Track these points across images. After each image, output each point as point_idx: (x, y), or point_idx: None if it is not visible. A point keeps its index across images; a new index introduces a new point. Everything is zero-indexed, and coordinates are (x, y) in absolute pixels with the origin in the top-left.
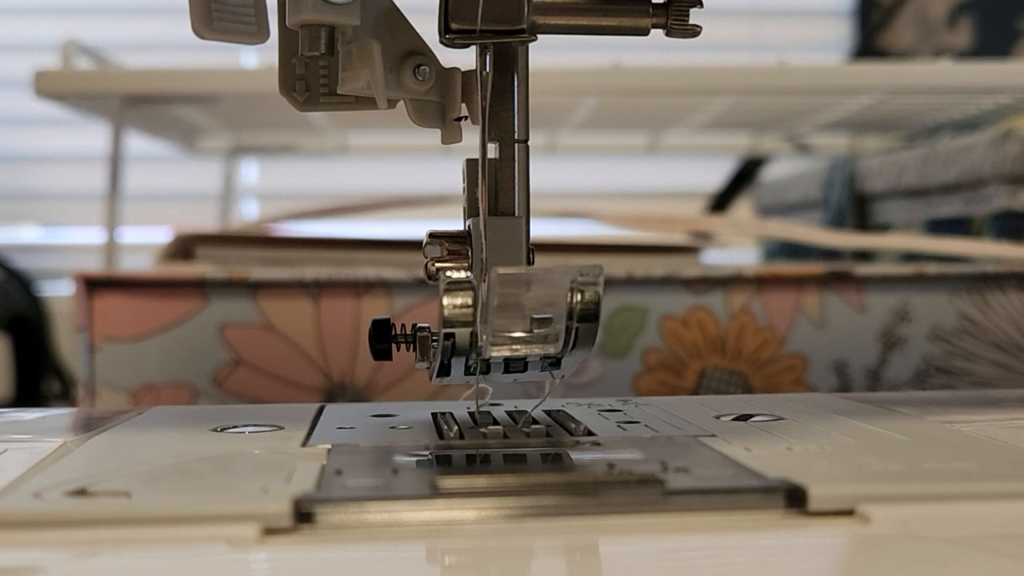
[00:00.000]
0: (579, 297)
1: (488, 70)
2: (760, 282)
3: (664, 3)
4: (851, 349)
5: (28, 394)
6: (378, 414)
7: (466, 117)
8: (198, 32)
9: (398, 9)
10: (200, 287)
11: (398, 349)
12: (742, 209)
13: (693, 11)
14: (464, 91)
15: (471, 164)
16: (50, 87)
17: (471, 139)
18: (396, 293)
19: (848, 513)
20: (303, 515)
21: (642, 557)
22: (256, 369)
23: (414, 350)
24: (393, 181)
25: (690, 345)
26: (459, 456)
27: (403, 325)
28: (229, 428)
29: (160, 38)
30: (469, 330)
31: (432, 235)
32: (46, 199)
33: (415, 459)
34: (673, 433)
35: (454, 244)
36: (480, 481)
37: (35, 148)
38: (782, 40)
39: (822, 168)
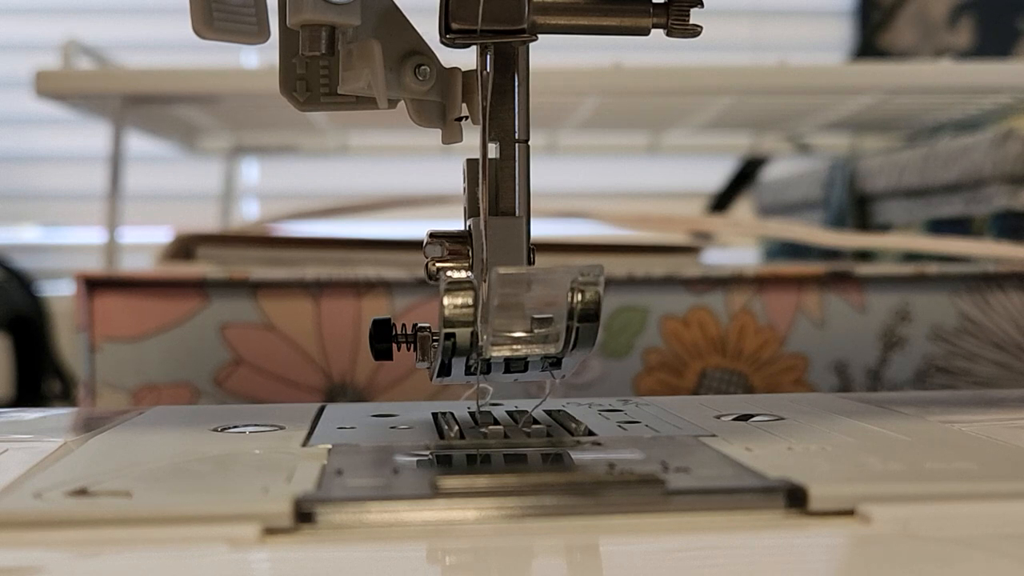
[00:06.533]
0: (579, 297)
1: (488, 70)
2: (760, 282)
3: (664, 3)
4: (851, 349)
5: (29, 394)
6: (378, 414)
7: (466, 117)
8: (198, 32)
9: (398, 9)
10: (200, 287)
11: (399, 349)
12: (742, 209)
13: (693, 11)
14: (464, 91)
15: (471, 164)
16: (50, 87)
17: (471, 139)
18: (396, 293)
19: (848, 513)
20: (303, 515)
21: (642, 557)
22: (256, 369)
23: (415, 350)
24: (393, 181)
25: (690, 345)
26: (460, 456)
27: (404, 325)
28: (229, 428)
29: (160, 38)
30: (470, 330)
31: (432, 235)
32: (46, 199)
33: (416, 459)
34: (674, 433)
35: (454, 244)
36: (480, 481)
37: (35, 148)
38: (782, 40)
39: (822, 168)
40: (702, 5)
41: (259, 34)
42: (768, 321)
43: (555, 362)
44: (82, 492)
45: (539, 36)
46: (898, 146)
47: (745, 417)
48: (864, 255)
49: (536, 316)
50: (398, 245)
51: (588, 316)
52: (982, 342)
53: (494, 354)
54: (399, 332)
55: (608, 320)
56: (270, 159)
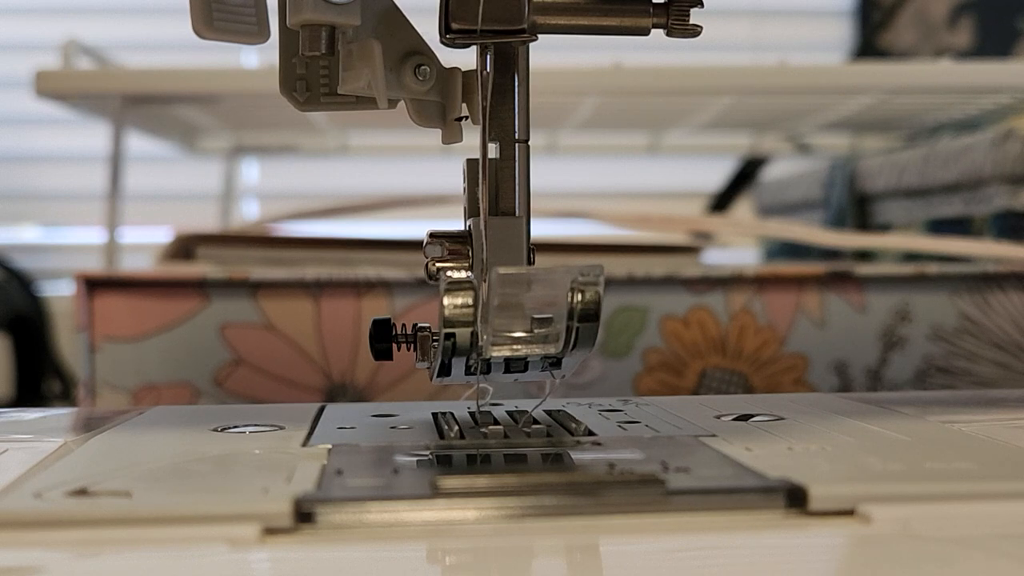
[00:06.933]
0: (579, 297)
1: (488, 70)
2: (760, 282)
3: (664, 3)
4: (851, 349)
5: (29, 394)
6: (378, 414)
7: (466, 117)
8: (198, 32)
9: (398, 9)
10: (200, 287)
11: (399, 349)
12: (742, 209)
13: (693, 11)
14: (464, 91)
15: (471, 164)
16: (50, 87)
17: (471, 139)
18: (396, 293)
19: (849, 513)
20: (303, 515)
21: (642, 557)
22: (256, 369)
23: (415, 350)
24: (393, 181)
25: (690, 345)
26: (459, 456)
27: (404, 325)
28: (229, 428)
29: (160, 38)
30: (470, 330)
31: (432, 235)
32: (46, 199)
33: (416, 459)
34: (674, 433)
35: (454, 244)
36: (480, 481)
37: (35, 148)
38: (782, 40)
39: (822, 168)
40: (702, 5)
41: (259, 34)
42: (768, 321)
43: (555, 362)
44: (82, 492)
45: (539, 36)
46: (898, 146)
47: (745, 417)
48: (864, 255)
49: (536, 316)
50: (398, 245)
51: (588, 316)
52: (982, 342)
53: (494, 354)
54: (399, 332)
55: (608, 320)
56: (270, 159)
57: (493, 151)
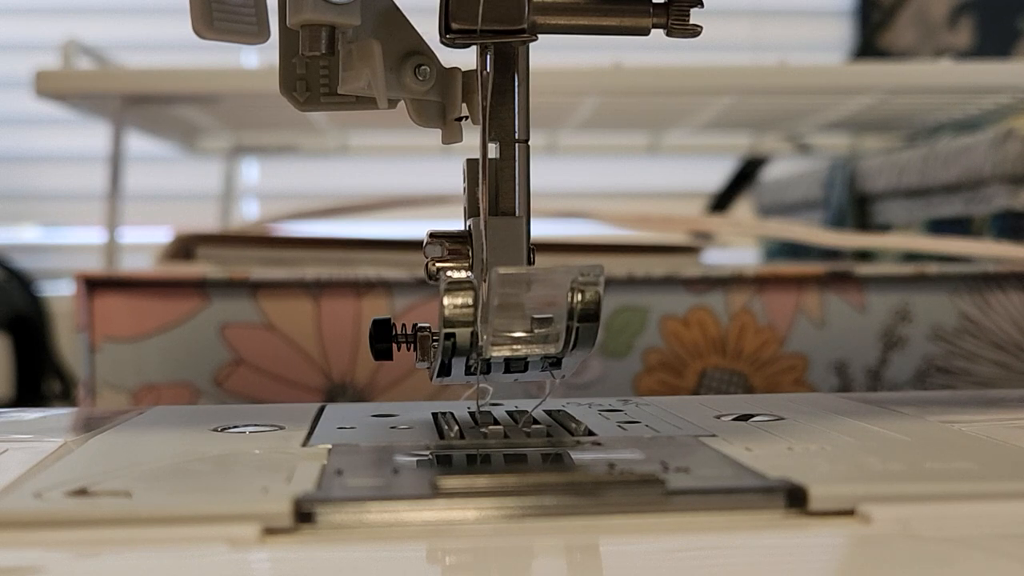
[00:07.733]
0: (579, 297)
1: (488, 70)
2: (760, 282)
3: (664, 3)
4: (851, 349)
5: (28, 394)
6: (378, 414)
7: (466, 117)
8: (198, 32)
9: (398, 9)
10: (200, 287)
11: (399, 349)
12: (742, 209)
13: (693, 11)
14: (464, 91)
15: (471, 164)
16: (50, 87)
17: (471, 139)
18: (396, 293)
19: (848, 513)
20: (303, 515)
21: (642, 557)
22: (256, 369)
23: (415, 350)
24: (393, 181)
25: (690, 345)
26: (460, 456)
27: (404, 325)
28: (229, 428)
29: (160, 38)
30: (470, 330)
31: (432, 235)
32: (46, 199)
33: (416, 459)
34: (674, 433)
35: (454, 244)
36: (481, 481)
37: (35, 148)
38: (782, 40)
39: (822, 168)
40: (702, 5)
41: (259, 34)
42: (768, 321)
43: (555, 362)
44: (82, 492)
45: (539, 36)
46: (898, 146)
47: (745, 417)
48: (864, 255)
49: (536, 316)
50: (398, 245)
51: (588, 316)
52: (982, 342)
53: (494, 354)
54: (399, 332)
55: (608, 320)
56: (270, 159)
57: (493, 151)
